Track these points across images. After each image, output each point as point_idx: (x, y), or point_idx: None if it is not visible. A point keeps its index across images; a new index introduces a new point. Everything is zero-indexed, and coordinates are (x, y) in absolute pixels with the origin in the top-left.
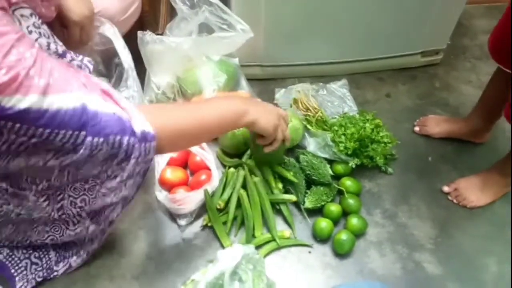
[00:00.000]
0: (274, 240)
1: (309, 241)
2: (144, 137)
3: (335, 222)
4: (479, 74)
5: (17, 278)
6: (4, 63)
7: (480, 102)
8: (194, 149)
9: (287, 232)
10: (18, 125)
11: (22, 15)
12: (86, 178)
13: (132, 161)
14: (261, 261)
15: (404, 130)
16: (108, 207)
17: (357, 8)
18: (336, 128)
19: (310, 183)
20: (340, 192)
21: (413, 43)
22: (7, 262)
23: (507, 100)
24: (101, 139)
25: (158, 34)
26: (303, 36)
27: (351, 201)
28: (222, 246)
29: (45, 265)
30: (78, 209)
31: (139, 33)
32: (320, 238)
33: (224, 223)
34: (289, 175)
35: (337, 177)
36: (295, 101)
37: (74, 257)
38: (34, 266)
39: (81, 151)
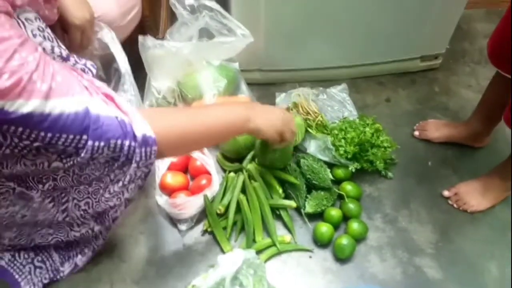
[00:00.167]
0: (274, 245)
1: (310, 246)
2: (145, 141)
3: (336, 226)
4: (479, 78)
5: (22, 283)
6: (7, 68)
7: (479, 106)
8: (195, 153)
9: (287, 237)
10: (21, 129)
11: (26, 19)
12: (90, 181)
13: (133, 165)
14: (262, 266)
15: (404, 134)
16: (112, 208)
17: (356, 13)
18: (336, 132)
19: (311, 187)
20: (340, 197)
21: (413, 48)
22: (9, 268)
23: (506, 104)
24: (102, 143)
25: (158, 39)
26: (303, 41)
27: (351, 206)
28: (223, 251)
29: (49, 267)
30: (82, 212)
31: (140, 37)
32: (321, 242)
33: (225, 228)
34: (291, 178)
35: (337, 181)
36: (295, 105)
37: (79, 256)
38: (38, 270)
39: (83, 154)
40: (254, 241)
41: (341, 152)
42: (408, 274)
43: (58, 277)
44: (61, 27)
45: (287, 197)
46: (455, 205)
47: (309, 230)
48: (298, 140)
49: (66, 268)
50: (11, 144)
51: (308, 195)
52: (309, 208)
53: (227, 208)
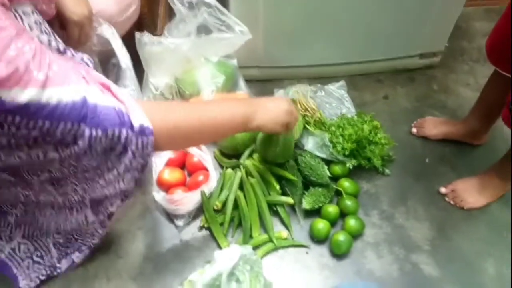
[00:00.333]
0: (271, 241)
1: (307, 242)
2: (142, 131)
3: (333, 223)
4: (477, 76)
5: (20, 278)
6: (3, 57)
7: (477, 104)
8: (192, 149)
9: (284, 233)
10: (18, 118)
11: (24, 12)
12: (86, 170)
13: (129, 154)
14: (259, 262)
15: (401, 132)
16: (107, 199)
17: (355, 11)
18: (334, 129)
19: (308, 184)
20: (337, 193)
21: (411, 45)
22: (8, 261)
23: (504, 102)
24: (100, 132)
25: (156, 35)
26: (301, 38)
27: (348, 202)
28: (219, 247)
29: (47, 263)
30: (79, 196)
31: (137, 34)
32: (318, 239)
33: (221, 224)
34: (288, 174)
35: (334, 178)
36: (294, 101)
37: (76, 253)
38: (36, 265)
39: (80, 143)
40: (251, 237)
41: (339, 149)
42: (404, 270)
43: (55, 273)
44: (59, 23)
45: (284, 193)
46: (452, 202)
47: (306, 226)
48: (296, 135)
49: (63, 265)
50: (8, 134)
51: (305, 192)
52: (306, 204)
53: (224, 204)
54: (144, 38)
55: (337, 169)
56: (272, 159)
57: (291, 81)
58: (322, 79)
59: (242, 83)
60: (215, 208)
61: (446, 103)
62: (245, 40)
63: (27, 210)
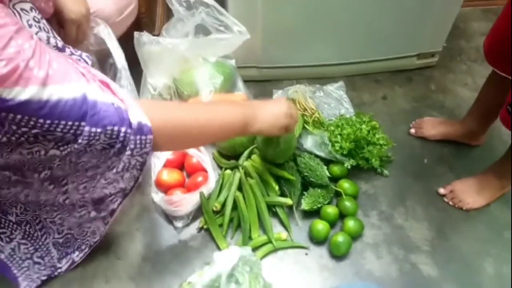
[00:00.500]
0: (270, 242)
1: (306, 243)
2: (140, 129)
3: (332, 224)
4: (475, 76)
5: (20, 279)
6: (3, 55)
7: (475, 105)
8: (191, 150)
9: (283, 234)
10: (19, 116)
11: (22, 9)
12: (86, 168)
13: (128, 152)
14: (258, 263)
15: (400, 132)
16: (108, 197)
17: (353, 11)
18: (332, 128)
19: (308, 185)
20: (336, 194)
21: (409, 45)
22: (8, 262)
23: (502, 102)
24: (100, 129)
25: (154, 35)
26: (300, 38)
27: (348, 204)
28: (219, 248)
29: (48, 263)
30: (80, 196)
31: (136, 34)
32: (317, 240)
33: (221, 225)
34: (287, 174)
35: (333, 179)
36: (293, 101)
37: (77, 252)
38: (37, 266)
39: (80, 140)
40: (250, 238)
41: (337, 148)
42: (403, 271)
43: (56, 273)
44: (57, 22)
45: (283, 194)
46: (450, 203)
47: (305, 227)
48: (296, 133)
49: (64, 265)
50: (8, 132)
51: (304, 192)
52: (305, 205)
53: (223, 205)
54: (142, 38)
55: (336, 169)
56: (273, 158)
57: (290, 81)
58: (321, 80)
59: (240, 84)
60: (214, 209)
61: (444, 103)
62: (243, 40)
63: (28, 209)
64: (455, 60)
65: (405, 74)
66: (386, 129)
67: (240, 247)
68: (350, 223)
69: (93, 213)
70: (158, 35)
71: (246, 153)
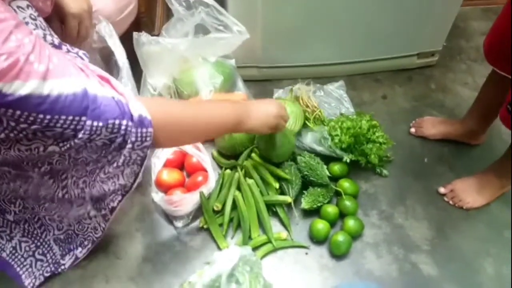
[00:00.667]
0: (270, 241)
1: (306, 243)
2: (141, 122)
3: (332, 223)
4: (475, 76)
5: (23, 276)
6: (3, 49)
7: (475, 104)
8: (191, 150)
9: (284, 233)
10: (18, 112)
11: (18, 7)
12: (86, 163)
13: (129, 145)
14: (258, 263)
15: (400, 131)
16: (108, 195)
17: (353, 10)
18: (333, 123)
19: (308, 184)
20: (337, 194)
21: (409, 45)
22: (10, 261)
23: (502, 102)
24: (101, 123)
25: (154, 35)
26: (299, 37)
27: (348, 203)
28: (219, 248)
29: (50, 260)
30: (80, 190)
31: (135, 34)
32: (317, 239)
33: (221, 225)
34: (282, 173)
35: (333, 178)
36: (296, 98)
37: (80, 248)
38: (39, 263)
39: (81, 135)
40: (250, 238)
41: (336, 141)
42: (404, 270)
43: (60, 270)
44: (59, 18)
45: (283, 193)
46: (451, 202)
47: (305, 227)
48: (296, 128)
49: (67, 261)
50: (7, 128)
51: (304, 191)
52: (304, 204)
53: (223, 204)
54: (142, 38)
55: (336, 169)
56: (272, 158)
57: (290, 81)
58: (321, 79)
59: (240, 83)
60: (215, 209)
61: (444, 102)
62: (243, 40)
63: (26, 206)
64: (455, 59)
65: (405, 73)
66: (386, 128)
67: (240, 246)
68: (350, 223)
69: (92, 212)
70: (158, 35)
71: (246, 152)
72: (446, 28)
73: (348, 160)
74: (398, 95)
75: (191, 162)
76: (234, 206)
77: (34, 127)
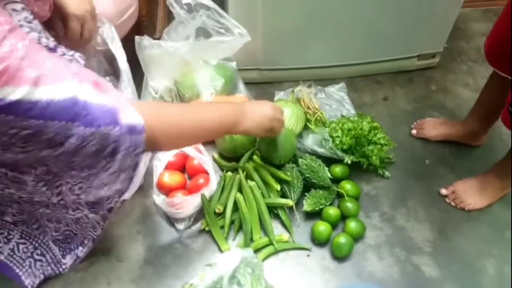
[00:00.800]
0: (272, 244)
1: (308, 245)
2: (133, 128)
3: (334, 225)
4: (476, 77)
5: (23, 277)
6: None
7: (476, 105)
8: (192, 152)
9: (285, 235)
10: (10, 116)
11: (13, 9)
12: (81, 167)
13: (122, 152)
14: (260, 265)
15: (401, 133)
16: (105, 200)
17: (354, 12)
18: (334, 125)
19: (310, 186)
20: (338, 195)
21: (410, 46)
22: (9, 262)
23: (503, 103)
24: (92, 129)
25: (155, 39)
26: (300, 40)
27: (349, 205)
28: (220, 250)
29: (50, 260)
30: (75, 197)
31: (137, 37)
32: (319, 241)
33: (222, 227)
34: (283, 175)
35: (335, 180)
36: (297, 100)
37: (80, 248)
38: (39, 263)
39: (72, 141)
40: (251, 240)
41: (337, 142)
42: (405, 272)
43: (61, 269)
44: (61, 20)
45: (284, 196)
46: (452, 203)
47: (307, 229)
48: (297, 130)
49: (68, 261)
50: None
51: (306, 194)
52: (307, 206)
53: (225, 207)
54: (143, 42)
55: (338, 171)
56: (274, 160)
57: (291, 83)
58: (322, 81)
59: (241, 86)
60: (217, 211)
61: (445, 103)
62: (244, 43)
63: (23, 209)
64: (455, 60)
65: (406, 75)
66: (387, 130)
67: (241, 249)
68: (352, 225)
69: (90, 215)
70: (159, 38)
71: (247, 155)
72: (447, 29)
73: (349, 162)
74: (399, 97)
75: (192, 164)
76: (236, 208)
77: (26, 132)
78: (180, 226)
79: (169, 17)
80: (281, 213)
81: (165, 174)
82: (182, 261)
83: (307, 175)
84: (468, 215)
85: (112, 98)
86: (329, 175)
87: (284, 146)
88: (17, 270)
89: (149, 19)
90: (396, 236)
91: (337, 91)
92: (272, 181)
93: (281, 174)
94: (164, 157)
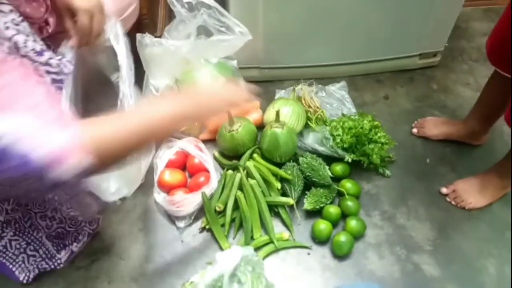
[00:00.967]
0: (272, 242)
1: (308, 243)
2: (56, 161)
3: (334, 224)
4: (477, 76)
5: (16, 272)
6: None
7: (477, 104)
8: (193, 151)
9: (286, 234)
10: None
11: (0, 11)
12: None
13: (58, 185)
14: (260, 263)
15: (402, 132)
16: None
17: (355, 11)
18: (335, 123)
19: (310, 185)
20: (339, 194)
21: (411, 45)
22: (1, 259)
23: (504, 102)
24: (19, 170)
25: (156, 37)
26: (301, 38)
27: (350, 203)
28: (221, 248)
29: (44, 255)
30: (48, 221)
31: (138, 35)
32: (319, 240)
33: (223, 225)
34: (284, 173)
35: (335, 178)
36: (298, 98)
37: (75, 243)
38: (32, 258)
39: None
40: (252, 238)
41: (338, 140)
42: (406, 271)
43: (56, 264)
44: (70, 14)
45: (285, 194)
46: (453, 202)
47: (308, 227)
48: (298, 128)
49: (63, 256)
50: None
51: (307, 192)
52: (307, 205)
53: (226, 205)
54: (144, 40)
55: (338, 169)
56: (275, 158)
57: (291, 82)
58: (323, 80)
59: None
60: (217, 209)
61: (446, 102)
62: (245, 41)
63: (20, 204)
64: (456, 60)
65: (407, 74)
66: (388, 129)
67: (242, 247)
68: (352, 223)
69: (81, 217)
70: (160, 37)
71: (247, 153)
72: (448, 28)
73: (349, 160)
74: (400, 96)
75: (193, 162)
76: (236, 206)
77: None
78: (181, 224)
79: (170, 15)
80: (281, 211)
81: (166, 172)
82: (183, 259)
83: (308, 173)
84: (469, 214)
85: (50, 129)
86: (329, 173)
87: (286, 144)
88: (11, 266)
89: (150, 17)
90: (396, 235)
91: (338, 89)
92: (272, 180)
93: (281, 172)
94: (165, 155)
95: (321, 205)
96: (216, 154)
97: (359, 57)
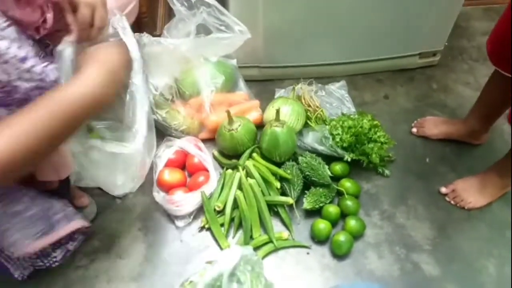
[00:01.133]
0: (271, 241)
1: (307, 243)
2: None
3: (334, 223)
4: (477, 75)
5: (11, 269)
6: None
7: (477, 104)
8: (192, 150)
9: (285, 233)
10: None
11: None
12: None
13: None
14: (260, 263)
15: (402, 131)
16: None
17: (355, 10)
18: (334, 123)
19: (310, 184)
20: (338, 193)
21: (411, 45)
22: None
23: (505, 102)
24: None
25: (156, 35)
26: (301, 37)
27: (349, 203)
28: (220, 248)
29: (39, 252)
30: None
31: (137, 34)
32: (319, 239)
33: (222, 224)
34: (283, 172)
35: (335, 178)
36: (298, 98)
37: (70, 242)
38: (27, 256)
39: None
40: (251, 237)
41: (337, 140)
42: (405, 270)
43: (51, 262)
44: (72, 8)
45: (284, 193)
46: (452, 202)
47: (307, 226)
48: (297, 127)
49: (58, 254)
50: None
51: (306, 192)
52: (307, 204)
53: (225, 204)
54: (143, 39)
55: (338, 169)
56: (275, 156)
57: (291, 81)
58: (323, 79)
59: (241, 83)
60: (217, 208)
61: (446, 102)
62: (245, 40)
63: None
64: (456, 59)
65: (406, 73)
66: (387, 128)
67: (241, 246)
68: (352, 223)
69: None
70: (159, 35)
71: (247, 152)
72: (448, 28)
73: (349, 159)
74: (399, 95)
75: (192, 162)
76: (236, 206)
77: None
78: (180, 223)
79: (170, 14)
80: (281, 211)
81: (165, 172)
82: (182, 258)
83: (307, 173)
84: (468, 213)
85: None
86: (329, 173)
87: (285, 142)
88: (5, 263)
89: (149, 15)
90: (396, 234)
91: (338, 89)
92: (272, 179)
93: (281, 172)
94: (165, 155)
95: (321, 205)
96: (216, 153)
97: (359, 57)
